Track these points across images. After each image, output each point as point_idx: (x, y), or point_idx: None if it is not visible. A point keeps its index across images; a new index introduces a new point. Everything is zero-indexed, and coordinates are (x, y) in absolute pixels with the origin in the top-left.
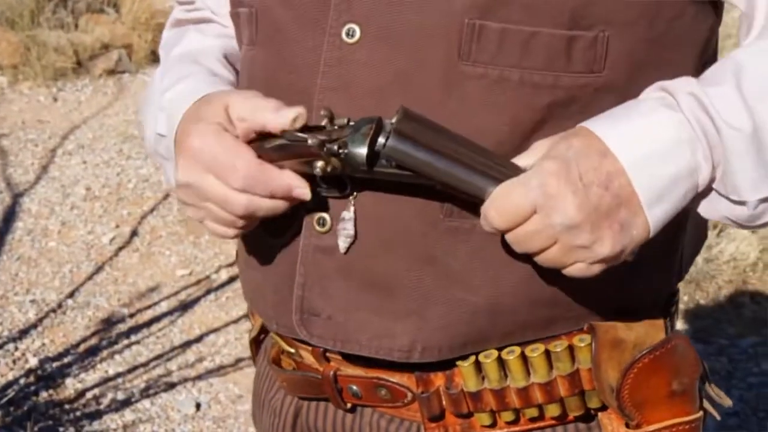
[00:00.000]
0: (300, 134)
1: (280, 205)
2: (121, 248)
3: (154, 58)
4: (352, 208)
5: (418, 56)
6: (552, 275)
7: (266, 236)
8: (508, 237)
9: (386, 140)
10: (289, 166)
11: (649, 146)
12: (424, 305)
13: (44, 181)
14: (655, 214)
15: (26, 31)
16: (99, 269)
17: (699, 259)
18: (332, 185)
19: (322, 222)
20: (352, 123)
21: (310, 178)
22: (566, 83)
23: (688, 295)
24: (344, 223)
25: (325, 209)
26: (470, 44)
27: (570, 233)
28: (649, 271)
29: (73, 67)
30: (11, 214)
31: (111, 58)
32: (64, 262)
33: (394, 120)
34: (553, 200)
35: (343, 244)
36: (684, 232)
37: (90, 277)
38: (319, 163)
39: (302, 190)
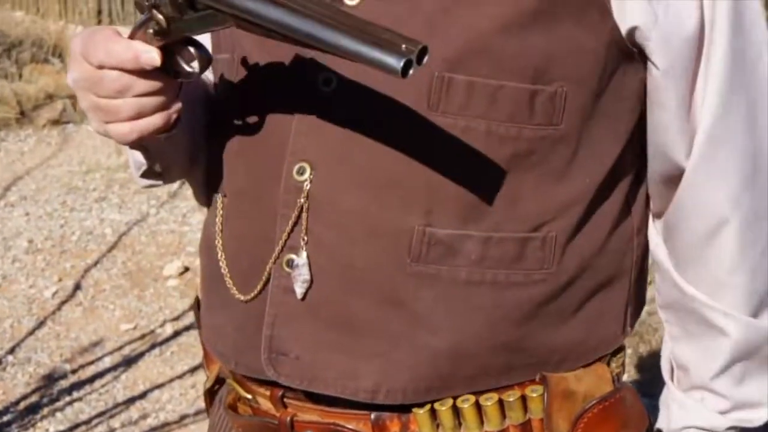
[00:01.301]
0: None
1: (154, 84)
2: (63, 302)
3: None
4: (303, 254)
5: (390, 105)
6: (513, 321)
7: (235, 280)
8: None
9: None
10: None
11: None
12: (390, 347)
13: None
14: None
15: None
16: (41, 324)
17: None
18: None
19: (289, 263)
20: None
21: None
22: (528, 135)
23: (632, 348)
24: (298, 268)
25: (295, 251)
26: (439, 95)
27: None
28: (600, 324)
29: (16, 117)
30: None
31: (56, 108)
32: (4, 317)
33: None
34: None
35: (299, 289)
36: (631, 287)
37: (31, 332)
38: (151, 24)
39: (148, 55)
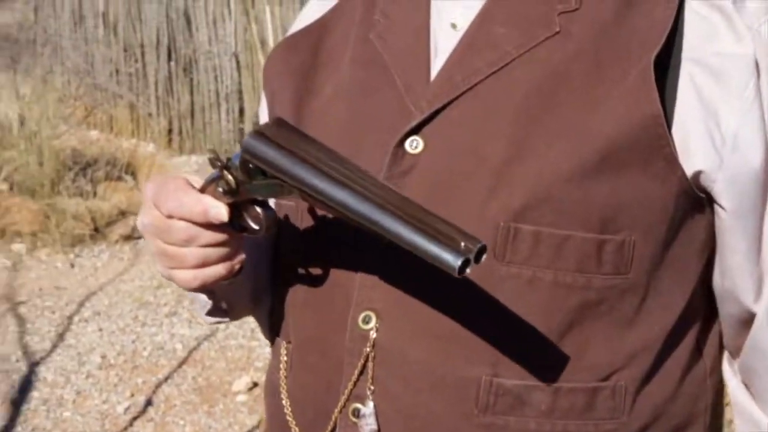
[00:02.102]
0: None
1: (219, 237)
2: (135, 418)
3: None
4: (370, 403)
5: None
6: None
7: (300, 426)
8: None
9: None
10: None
11: None
12: None
13: (60, 349)
14: None
15: (46, 199)
16: None
17: None
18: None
19: (355, 412)
20: None
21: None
22: (596, 284)
23: None
24: (365, 418)
25: (361, 401)
26: (505, 246)
27: None
28: None
29: (90, 233)
30: (27, 384)
31: (128, 224)
32: None
33: None
34: None
35: None
36: (706, 429)
37: None
38: (221, 183)
39: (216, 210)
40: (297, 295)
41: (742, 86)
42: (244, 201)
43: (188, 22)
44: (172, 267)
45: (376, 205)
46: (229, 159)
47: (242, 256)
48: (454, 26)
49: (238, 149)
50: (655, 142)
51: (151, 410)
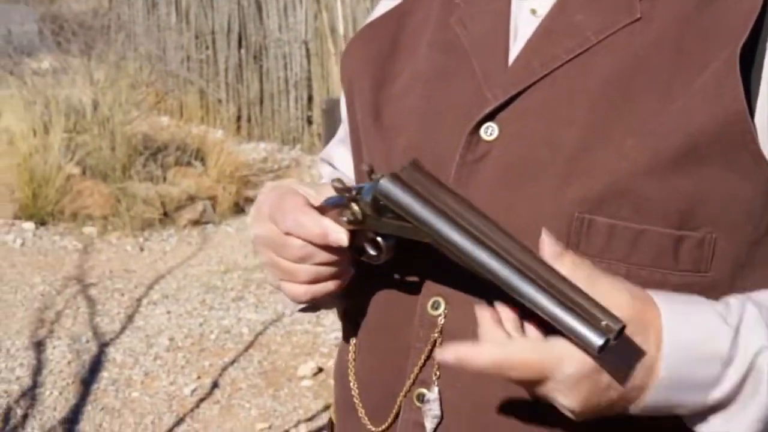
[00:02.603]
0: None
1: (334, 257)
2: (202, 400)
3: (237, 210)
4: (435, 389)
5: (530, 246)
6: None
7: (366, 410)
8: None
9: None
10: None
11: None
12: None
13: (129, 331)
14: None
15: (117, 183)
16: (180, 421)
17: None
18: (371, 248)
19: (420, 397)
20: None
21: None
22: (673, 281)
23: None
24: (429, 403)
25: (426, 386)
26: (579, 237)
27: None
28: None
29: (159, 217)
30: (97, 364)
31: (196, 209)
32: (146, 412)
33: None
34: (562, 390)
35: (429, 424)
36: None
37: (171, 429)
38: (346, 212)
39: (337, 235)
40: (369, 281)
41: None
42: (365, 230)
43: (259, 9)
44: (283, 279)
45: (517, 271)
46: (358, 191)
47: (352, 272)
48: (533, 12)
49: (366, 182)
50: (740, 137)
51: (217, 392)
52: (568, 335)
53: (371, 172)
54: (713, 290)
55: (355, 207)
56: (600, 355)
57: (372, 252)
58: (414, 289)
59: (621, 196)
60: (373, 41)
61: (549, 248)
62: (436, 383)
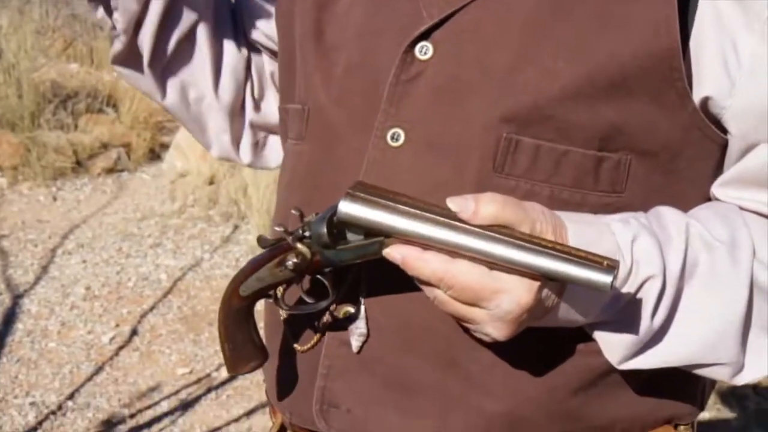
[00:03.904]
0: (278, 233)
1: None
2: (121, 347)
3: (152, 156)
4: (361, 307)
5: (457, 166)
6: (573, 389)
7: (292, 330)
8: (432, 291)
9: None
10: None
11: None
12: (444, 408)
13: (44, 282)
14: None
15: (26, 132)
16: (99, 369)
17: None
18: (316, 293)
19: (346, 315)
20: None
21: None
22: (592, 201)
23: None
24: (355, 322)
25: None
26: (505, 157)
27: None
28: (671, 397)
29: (72, 166)
30: (11, 315)
31: (110, 157)
32: (64, 362)
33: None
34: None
35: (355, 342)
36: None
37: (90, 378)
38: (290, 256)
39: None
40: (294, 187)
41: (763, 8)
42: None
43: None
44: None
45: (511, 245)
46: (302, 229)
47: None
48: None
49: (297, 225)
50: (669, 75)
51: (136, 340)
52: (580, 285)
53: (302, 215)
54: (626, 210)
55: (301, 247)
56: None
57: (310, 301)
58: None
59: (547, 117)
60: None
61: (459, 206)
62: (362, 302)
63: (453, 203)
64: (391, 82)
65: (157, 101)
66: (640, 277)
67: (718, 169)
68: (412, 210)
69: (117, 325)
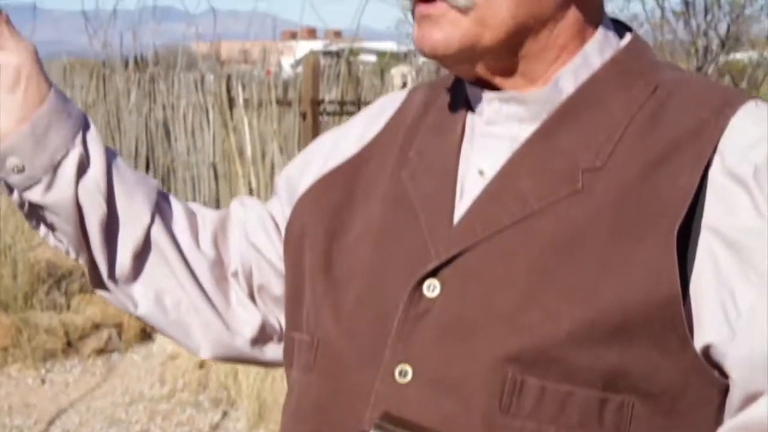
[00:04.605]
0: None
1: None
2: None
3: (144, 336)
4: None
5: (464, 404)
6: None
7: None
8: None
9: None
10: None
11: None
12: None
13: None
14: None
15: (19, 313)
16: None
17: None
18: None
19: None
20: None
21: None
22: None
23: None
24: None
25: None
26: (511, 398)
27: None
28: None
29: (62, 347)
30: None
31: (101, 338)
32: None
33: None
34: None
35: None
36: None
37: None
38: None
39: None
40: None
41: (761, 260)
42: None
43: (167, 132)
44: None
45: None
46: None
47: None
48: (481, 173)
49: None
50: (670, 320)
51: None
52: None
53: None
54: None
55: None
56: None
57: None
58: None
59: (552, 359)
60: (330, 191)
61: None
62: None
63: None
64: (400, 319)
65: (131, 312)
66: None
67: (720, 413)
68: None
69: None
